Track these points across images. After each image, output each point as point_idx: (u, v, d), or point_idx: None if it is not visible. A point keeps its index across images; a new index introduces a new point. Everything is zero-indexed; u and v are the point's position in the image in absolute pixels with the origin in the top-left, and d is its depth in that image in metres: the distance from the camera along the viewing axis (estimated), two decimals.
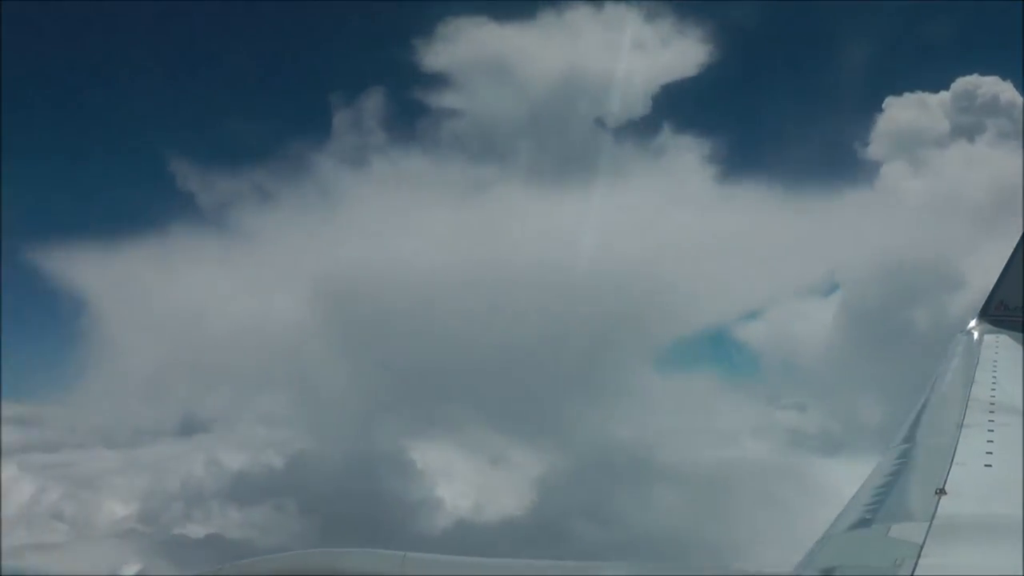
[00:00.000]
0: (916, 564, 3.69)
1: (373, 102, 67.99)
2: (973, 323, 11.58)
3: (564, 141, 66.10)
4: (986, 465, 5.39)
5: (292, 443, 55.95)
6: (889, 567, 3.71)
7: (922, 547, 3.88)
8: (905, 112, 60.04)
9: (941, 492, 4.72)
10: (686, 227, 57.46)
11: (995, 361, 9.32)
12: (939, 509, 4.45)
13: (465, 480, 50.41)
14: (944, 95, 58.25)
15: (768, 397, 58.59)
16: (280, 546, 42.40)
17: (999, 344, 10.35)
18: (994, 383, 8.15)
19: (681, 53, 64.65)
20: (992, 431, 6.22)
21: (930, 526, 4.16)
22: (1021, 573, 3.47)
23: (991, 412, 6.88)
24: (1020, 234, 11.67)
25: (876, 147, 60.82)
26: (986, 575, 3.64)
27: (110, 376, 65.50)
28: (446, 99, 68.84)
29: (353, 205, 71.51)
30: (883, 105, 60.97)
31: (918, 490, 5.02)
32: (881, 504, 4.87)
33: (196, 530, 51.09)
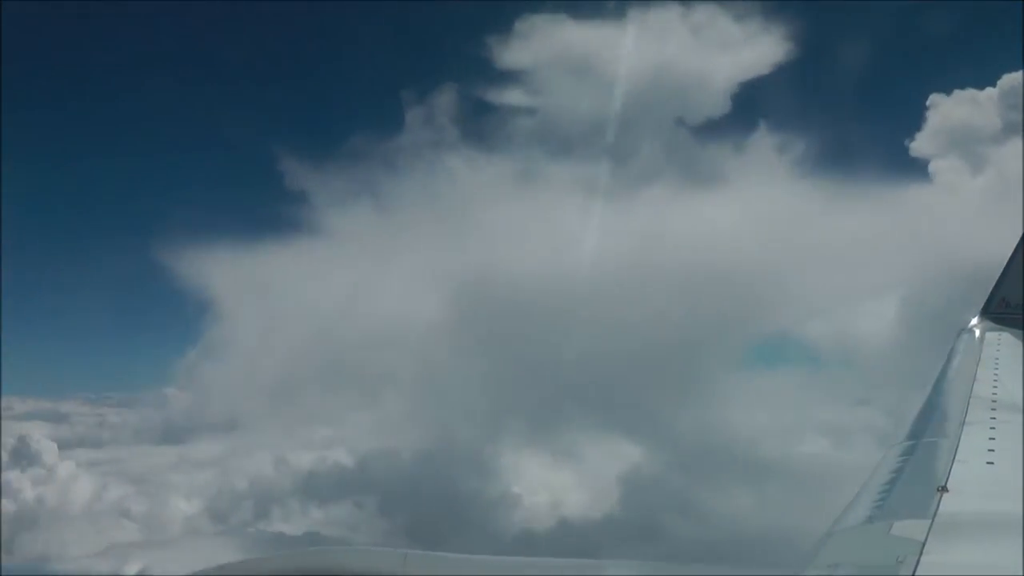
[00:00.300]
0: (918, 562, 3.68)
1: (466, 102, 68.36)
2: (975, 321, 11.56)
3: (643, 140, 66.42)
4: (988, 463, 5.38)
5: (376, 441, 58.34)
6: (891, 565, 3.70)
7: (924, 545, 3.87)
8: (954, 109, 60.06)
9: (943, 490, 4.71)
10: (759, 224, 57.33)
11: (997, 359, 9.31)
12: (941, 507, 4.44)
13: (562, 479, 51.10)
14: (991, 91, 58.24)
15: (842, 393, 58.79)
16: (366, 542, 43.82)
17: (1001, 342, 10.34)
18: (996, 381, 8.15)
19: (744, 52, 64.73)
20: (994, 428, 6.21)
21: (932, 524, 4.15)
22: (1023, 571, 3.46)
23: (993, 410, 6.87)
24: (1022, 232, 11.62)
25: (924, 144, 60.71)
26: (988, 574, 3.63)
27: (220, 372, 67.16)
28: (529, 98, 69.24)
29: (449, 204, 71.57)
30: (928, 103, 60.96)
31: (920, 488, 5.00)
32: (883, 501, 4.87)
33: (283, 528, 52.07)
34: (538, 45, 69.28)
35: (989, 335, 10.77)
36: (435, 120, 72.71)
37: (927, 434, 6.50)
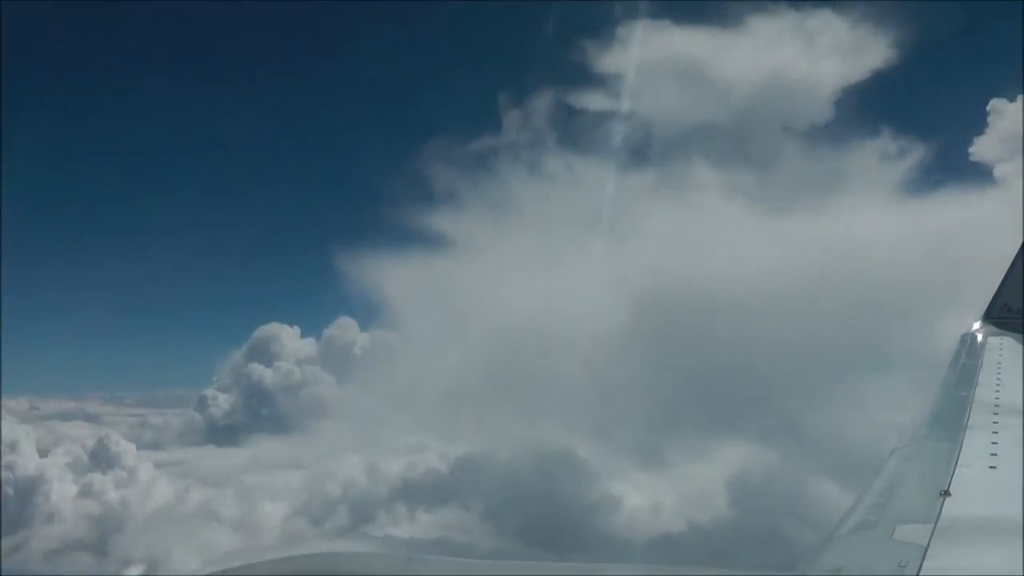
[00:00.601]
0: (921, 566, 3.68)
1: (574, 109, 69.07)
2: (977, 325, 11.62)
3: (749, 146, 65.80)
4: (990, 467, 5.38)
5: (496, 443, 56.63)
6: (894, 569, 3.70)
7: (927, 549, 3.87)
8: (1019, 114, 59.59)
9: (945, 494, 4.71)
10: (869, 230, 56.30)
11: (999, 363, 9.31)
12: (943, 511, 4.44)
13: (691, 483, 49.60)
14: None
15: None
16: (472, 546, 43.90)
17: (1003, 346, 10.38)
18: (998, 385, 8.17)
19: (835, 57, 63.99)
20: (996, 433, 6.21)
21: (934, 528, 4.15)
22: None
23: (995, 414, 6.87)
24: (1023, 238, 11.78)
25: (988, 148, 60.17)
26: None
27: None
28: (635, 103, 68.85)
29: (564, 208, 71.30)
30: (988, 107, 60.59)
31: (922, 492, 4.98)
32: (885, 506, 4.87)
33: (393, 531, 50.32)
34: (641, 50, 69.00)
35: (991, 339, 10.80)
36: (555, 125, 73.32)
37: (930, 438, 6.53)
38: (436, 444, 62.67)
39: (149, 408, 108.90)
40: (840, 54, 70.07)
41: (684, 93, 73.31)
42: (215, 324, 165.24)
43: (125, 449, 64.68)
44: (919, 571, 3.64)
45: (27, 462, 60.65)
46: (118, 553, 51.03)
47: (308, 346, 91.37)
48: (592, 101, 74.00)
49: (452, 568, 4.40)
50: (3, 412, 77.15)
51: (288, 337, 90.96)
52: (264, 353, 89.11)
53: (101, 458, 63.56)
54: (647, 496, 50.55)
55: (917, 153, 69.80)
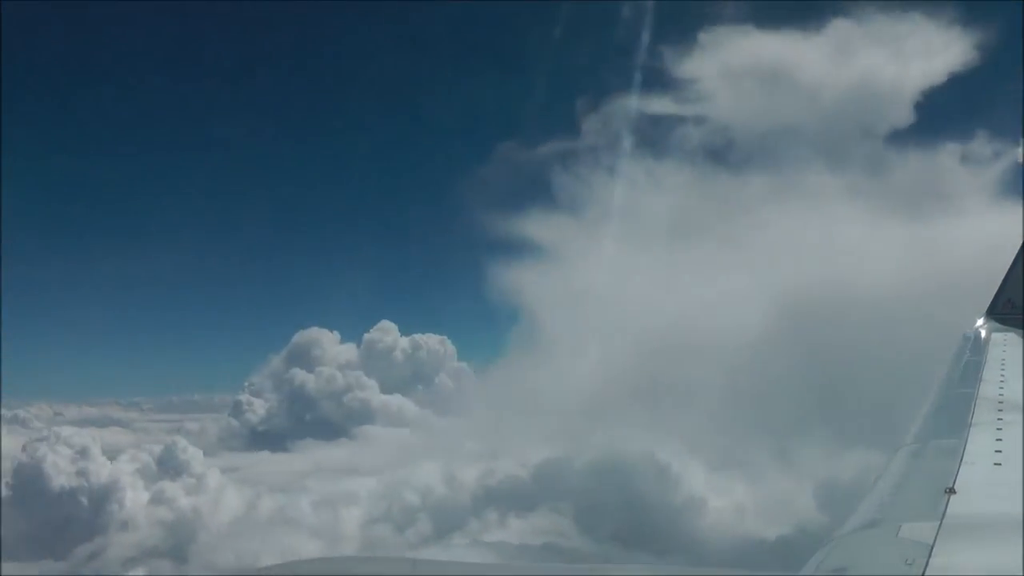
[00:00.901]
0: (927, 564, 3.67)
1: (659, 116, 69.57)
2: (980, 321, 11.57)
3: (832, 149, 65.33)
4: (995, 464, 5.36)
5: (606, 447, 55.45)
6: (899, 567, 3.69)
7: (932, 547, 3.86)
8: None
9: (951, 491, 4.71)
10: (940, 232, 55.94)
11: (1003, 359, 9.27)
12: (949, 508, 4.44)
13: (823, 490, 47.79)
14: None
15: None
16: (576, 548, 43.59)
17: (1007, 342, 10.32)
18: (1002, 381, 8.11)
19: (918, 59, 63.33)
20: (1001, 429, 6.18)
21: (940, 526, 4.14)
22: None
23: (1000, 410, 6.83)
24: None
25: None
26: (996, 575, 3.61)
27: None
28: (726, 107, 68.71)
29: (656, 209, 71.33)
30: None
31: (927, 489, 4.95)
32: (890, 504, 4.86)
33: (496, 537, 49.70)
34: (725, 54, 68.77)
35: (995, 335, 10.76)
36: (641, 130, 74.13)
37: (934, 435, 6.51)
38: (509, 449, 62.76)
39: (171, 414, 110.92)
40: (925, 55, 69.50)
41: (769, 97, 73.05)
42: (220, 330, 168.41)
43: (193, 456, 64.41)
44: (925, 569, 3.63)
45: (98, 468, 59.86)
46: (201, 561, 50.31)
47: (348, 351, 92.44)
48: (674, 106, 74.61)
49: (457, 571, 4.41)
50: (29, 418, 77.82)
51: (328, 342, 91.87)
52: (305, 358, 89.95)
53: (169, 464, 63.37)
54: (767, 500, 50.08)
55: (1011, 154, 69.34)
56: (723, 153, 73.20)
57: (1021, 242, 11.73)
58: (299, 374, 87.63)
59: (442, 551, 46.03)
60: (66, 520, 56.01)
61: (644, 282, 64.33)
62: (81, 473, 58.62)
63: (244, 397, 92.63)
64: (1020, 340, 10.40)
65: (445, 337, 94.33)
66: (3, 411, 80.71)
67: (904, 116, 68.56)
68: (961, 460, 5.43)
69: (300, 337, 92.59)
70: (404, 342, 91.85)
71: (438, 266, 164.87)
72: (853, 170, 68.68)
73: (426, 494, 56.44)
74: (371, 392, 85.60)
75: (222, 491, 60.89)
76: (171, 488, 59.75)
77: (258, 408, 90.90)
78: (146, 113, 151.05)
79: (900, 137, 69.38)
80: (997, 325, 11.26)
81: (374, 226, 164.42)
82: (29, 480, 58.15)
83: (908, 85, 69.27)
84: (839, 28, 71.13)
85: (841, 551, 4.24)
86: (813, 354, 50.27)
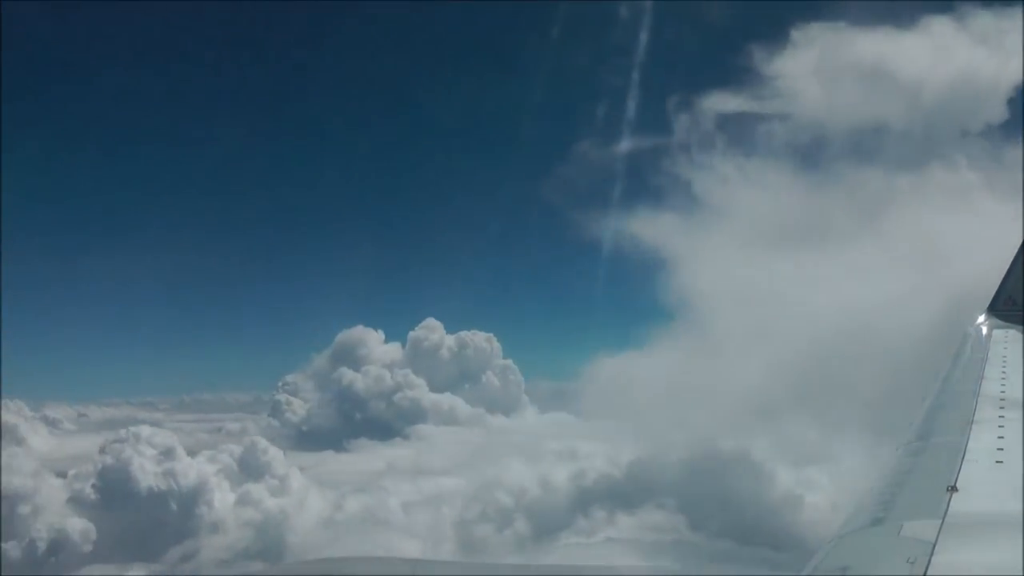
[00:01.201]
0: (929, 562, 3.70)
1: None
2: (982, 318, 11.55)
3: (934, 146, 64.89)
4: (997, 461, 5.39)
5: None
6: (902, 565, 3.72)
7: (934, 545, 3.89)
8: None
9: (953, 489, 4.74)
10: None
11: (1004, 356, 9.26)
12: (951, 506, 4.47)
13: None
14: None
15: None
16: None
17: (1008, 339, 10.30)
18: (1004, 378, 8.12)
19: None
20: (1002, 427, 6.21)
21: (942, 524, 4.18)
22: None
23: (1001, 407, 6.86)
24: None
25: None
26: (1000, 574, 3.64)
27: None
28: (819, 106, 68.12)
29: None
30: None
31: (929, 487, 4.99)
32: (892, 502, 4.90)
33: (611, 534, 49.45)
34: (820, 52, 67.77)
35: (996, 332, 10.75)
36: (733, 129, 77.21)
37: (936, 433, 6.51)
38: (591, 448, 62.66)
39: (190, 413, 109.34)
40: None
41: (865, 94, 71.52)
42: (220, 331, 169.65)
43: (274, 456, 63.67)
44: (927, 567, 3.66)
45: (185, 469, 59.37)
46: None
47: (393, 350, 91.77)
48: (766, 105, 74.20)
49: (458, 571, 4.59)
50: (59, 418, 77.84)
51: (373, 341, 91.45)
52: (350, 357, 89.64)
53: (251, 465, 62.68)
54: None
55: None
56: (822, 151, 72.01)
57: (1022, 240, 11.75)
58: (347, 373, 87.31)
59: (575, 549, 45.77)
60: (157, 522, 55.58)
61: (771, 277, 63.08)
62: (168, 474, 58.16)
63: (283, 397, 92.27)
64: (1021, 337, 10.39)
65: (492, 334, 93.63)
66: (29, 412, 78.99)
67: (1000, 113, 66.27)
68: (963, 458, 5.45)
69: (343, 337, 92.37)
70: (450, 340, 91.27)
71: (477, 264, 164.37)
72: (960, 167, 66.48)
73: (520, 493, 55.82)
74: (421, 391, 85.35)
75: (306, 492, 60.53)
76: (256, 489, 59.21)
77: (297, 408, 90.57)
78: (165, 110, 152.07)
79: (999, 133, 67.21)
80: (998, 322, 11.24)
81: (374, 226, 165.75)
82: (117, 482, 57.52)
83: (1004, 82, 66.96)
84: (934, 24, 68.87)
85: (843, 550, 4.27)
86: None
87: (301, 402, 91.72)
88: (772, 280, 60.83)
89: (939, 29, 69.90)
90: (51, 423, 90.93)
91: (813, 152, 72.82)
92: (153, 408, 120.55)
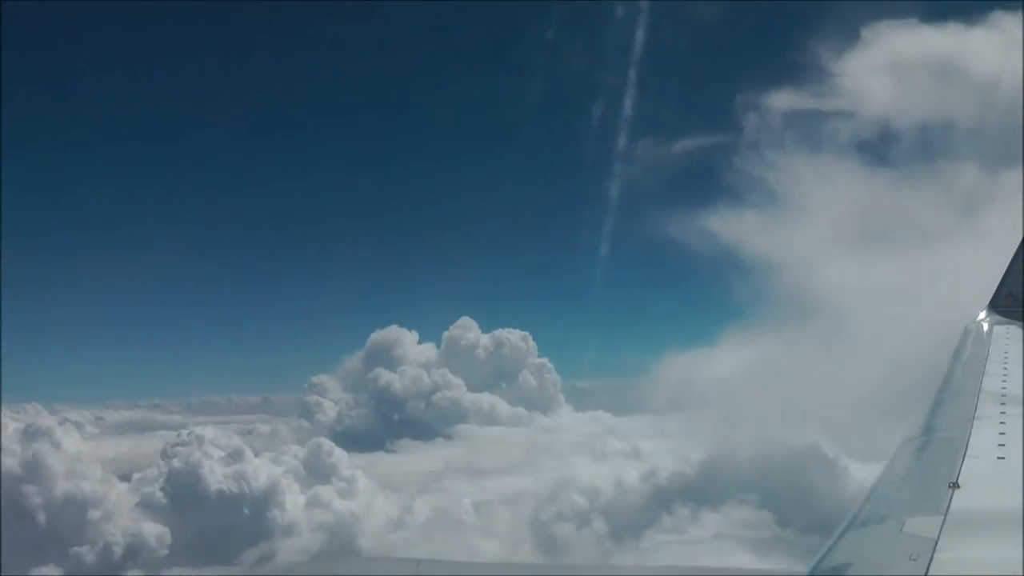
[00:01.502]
0: (931, 559, 3.69)
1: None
2: (983, 315, 11.53)
3: (1000, 145, 61.83)
4: (999, 457, 5.38)
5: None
6: (904, 562, 3.71)
7: (937, 541, 3.88)
8: None
9: (955, 486, 4.73)
10: None
11: (1006, 352, 9.26)
12: (953, 503, 4.46)
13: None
14: None
15: None
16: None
17: (1009, 335, 10.30)
18: (1005, 375, 8.12)
19: None
20: (1004, 423, 6.21)
21: (944, 520, 4.17)
22: None
23: (1003, 403, 6.87)
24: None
25: None
26: (1002, 574, 3.63)
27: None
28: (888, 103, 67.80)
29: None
30: None
31: (932, 484, 4.98)
32: (895, 499, 4.90)
33: (697, 533, 48.52)
34: (891, 50, 67.48)
35: (997, 328, 10.74)
36: (806, 127, 75.10)
37: (938, 430, 6.51)
38: (652, 445, 61.99)
39: (202, 415, 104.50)
40: None
41: (935, 92, 70.58)
42: (219, 330, 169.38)
43: (339, 458, 62.61)
44: (929, 564, 3.64)
45: (255, 471, 58.62)
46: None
47: (428, 350, 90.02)
48: (833, 102, 73.23)
49: (460, 571, 4.49)
50: (71, 423, 72.69)
51: (408, 341, 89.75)
52: (384, 358, 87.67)
53: (317, 467, 61.87)
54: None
55: None
56: (892, 149, 71.30)
57: (1022, 236, 11.68)
58: (383, 374, 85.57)
59: (677, 547, 45.01)
60: (230, 525, 55.03)
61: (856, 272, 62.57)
62: (238, 476, 57.34)
63: (312, 398, 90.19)
64: (1022, 334, 10.40)
65: (527, 333, 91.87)
66: (49, 415, 72.70)
67: None
68: (965, 454, 5.45)
69: (377, 336, 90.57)
70: (485, 339, 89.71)
71: (506, 263, 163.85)
72: None
73: (592, 492, 54.93)
74: (459, 391, 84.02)
75: (374, 494, 59.78)
76: (326, 491, 58.51)
77: (328, 409, 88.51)
78: (174, 108, 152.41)
79: None
80: (999, 318, 11.25)
81: (376, 228, 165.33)
82: (186, 485, 56.79)
83: None
84: (1003, 21, 67.27)
85: (846, 547, 4.27)
86: None
87: (331, 403, 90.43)
88: (841, 276, 60.05)
89: (1009, 24, 67.83)
90: (76, 426, 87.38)
91: (883, 149, 71.93)
92: (164, 410, 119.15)
